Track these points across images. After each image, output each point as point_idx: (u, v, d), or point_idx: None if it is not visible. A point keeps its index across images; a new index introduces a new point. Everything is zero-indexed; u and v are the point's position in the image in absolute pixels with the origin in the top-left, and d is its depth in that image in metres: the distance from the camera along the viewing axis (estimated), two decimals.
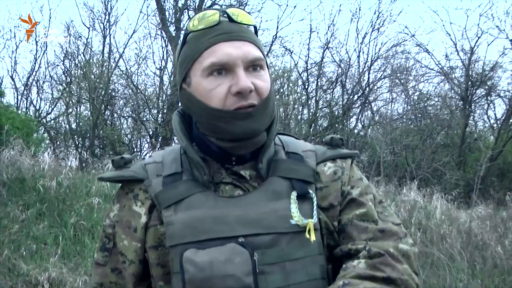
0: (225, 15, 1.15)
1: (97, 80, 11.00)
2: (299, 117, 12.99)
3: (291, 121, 12.39)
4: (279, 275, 1.06)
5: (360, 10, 13.53)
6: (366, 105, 13.42)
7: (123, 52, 11.39)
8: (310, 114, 12.66)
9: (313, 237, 1.09)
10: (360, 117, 13.54)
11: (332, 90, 13.32)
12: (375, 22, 12.98)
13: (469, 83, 13.79)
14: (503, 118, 14.03)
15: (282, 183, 1.14)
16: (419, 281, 1.09)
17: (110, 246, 1.22)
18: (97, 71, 11.41)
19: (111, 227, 1.22)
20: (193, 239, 1.08)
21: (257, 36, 1.19)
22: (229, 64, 1.10)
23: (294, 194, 1.12)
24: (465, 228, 7.53)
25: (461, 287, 5.36)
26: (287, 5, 13.04)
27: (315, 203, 1.12)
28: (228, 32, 1.12)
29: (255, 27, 1.19)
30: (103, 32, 11.84)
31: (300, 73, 13.09)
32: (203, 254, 1.06)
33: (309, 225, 1.09)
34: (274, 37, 12.34)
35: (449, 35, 17.85)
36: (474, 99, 14.39)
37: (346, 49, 18.67)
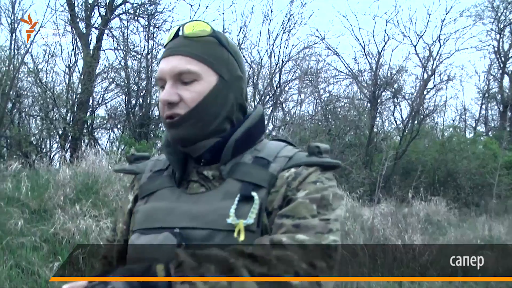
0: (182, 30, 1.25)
1: (4, 77, 10.55)
2: None
3: None
4: None
5: (271, 12, 13.67)
6: (277, 105, 13.65)
7: (30, 47, 10.96)
8: None
9: (241, 237, 1.11)
10: (271, 117, 13.73)
11: None
12: (286, 24, 13.18)
13: (376, 85, 14.36)
14: (407, 119, 14.70)
15: (235, 185, 1.18)
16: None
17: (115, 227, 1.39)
18: (4, 68, 10.93)
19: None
20: (144, 226, 1.22)
21: (222, 43, 1.24)
22: (162, 80, 1.22)
23: (238, 196, 1.16)
24: (368, 224, 7.89)
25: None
26: (199, 5, 13.03)
27: (255, 205, 1.14)
28: (169, 47, 1.24)
29: (216, 37, 1.24)
30: (10, 26, 11.36)
31: None
32: (142, 238, 1.20)
33: (239, 226, 1.12)
34: None
35: (358, 39, 18.26)
36: (382, 101, 15.00)
37: (258, 50, 18.79)
